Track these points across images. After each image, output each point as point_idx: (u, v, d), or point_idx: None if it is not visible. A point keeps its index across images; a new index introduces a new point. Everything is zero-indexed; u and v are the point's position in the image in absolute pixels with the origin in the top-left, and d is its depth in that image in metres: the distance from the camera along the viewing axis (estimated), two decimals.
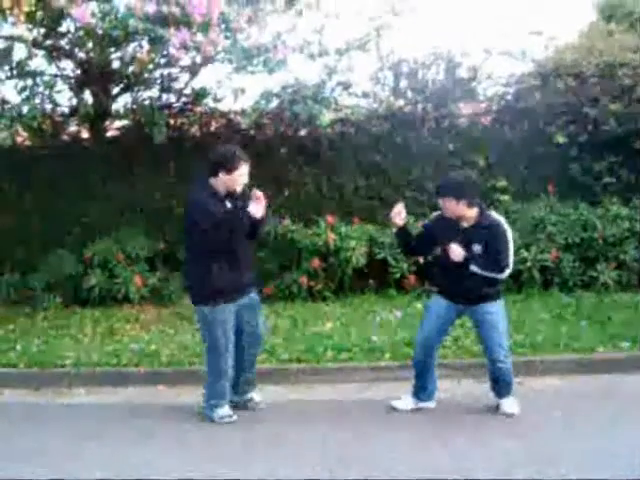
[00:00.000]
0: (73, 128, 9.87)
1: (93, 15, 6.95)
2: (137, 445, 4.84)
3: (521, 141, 9.35)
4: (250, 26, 7.45)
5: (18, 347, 6.94)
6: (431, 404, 5.36)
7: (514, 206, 8.93)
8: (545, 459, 4.33)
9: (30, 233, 9.44)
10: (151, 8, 6.80)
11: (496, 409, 5.20)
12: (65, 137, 9.81)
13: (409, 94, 9.70)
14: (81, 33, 7.72)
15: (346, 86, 8.93)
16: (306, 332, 7.10)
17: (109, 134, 9.80)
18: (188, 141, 9.47)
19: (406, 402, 5.36)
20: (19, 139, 9.05)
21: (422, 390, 5.34)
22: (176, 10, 6.79)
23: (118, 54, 8.35)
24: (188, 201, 5.11)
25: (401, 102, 9.73)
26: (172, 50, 6.88)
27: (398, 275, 8.44)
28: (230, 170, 4.92)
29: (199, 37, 6.95)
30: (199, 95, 9.25)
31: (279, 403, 5.59)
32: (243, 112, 9.35)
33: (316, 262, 8.41)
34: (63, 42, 8.39)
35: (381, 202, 9.24)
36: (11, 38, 8.05)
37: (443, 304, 5.20)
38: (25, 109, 7.81)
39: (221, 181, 4.96)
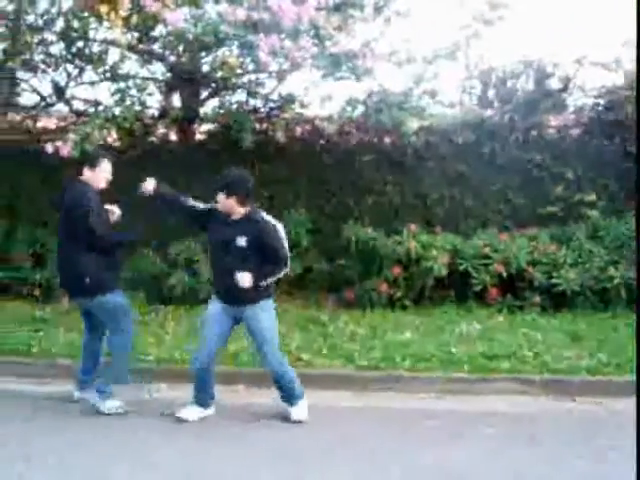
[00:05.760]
0: (162, 130, 10.10)
1: (185, 20, 7.10)
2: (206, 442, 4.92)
3: (611, 154, 9.12)
4: (339, 33, 7.47)
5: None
6: (211, 411, 5.42)
7: (602, 222, 8.73)
8: None
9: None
10: (241, 14, 6.90)
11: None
12: (154, 139, 10.04)
13: (496, 104, 9.60)
14: (172, 37, 7.90)
15: (433, 94, 8.86)
16: (384, 340, 7.07)
17: (196, 137, 9.99)
18: (273, 146, 9.55)
19: (192, 412, 5.34)
20: (109, 140, 9.30)
21: (206, 397, 5.37)
22: (266, 16, 6.87)
23: (208, 59, 8.52)
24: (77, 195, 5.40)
25: (488, 112, 9.63)
26: (261, 55, 6.95)
27: (479, 287, 8.31)
28: (93, 167, 5.42)
29: (288, 43, 7.02)
30: (287, 101, 9.34)
31: (356, 408, 5.64)
32: (329, 118, 9.41)
33: (397, 270, 8.34)
34: (155, 46, 8.61)
35: (465, 212, 9.18)
36: (106, 42, 8.31)
37: (218, 308, 5.25)
38: (117, 111, 8.04)
39: (85, 179, 5.44)
